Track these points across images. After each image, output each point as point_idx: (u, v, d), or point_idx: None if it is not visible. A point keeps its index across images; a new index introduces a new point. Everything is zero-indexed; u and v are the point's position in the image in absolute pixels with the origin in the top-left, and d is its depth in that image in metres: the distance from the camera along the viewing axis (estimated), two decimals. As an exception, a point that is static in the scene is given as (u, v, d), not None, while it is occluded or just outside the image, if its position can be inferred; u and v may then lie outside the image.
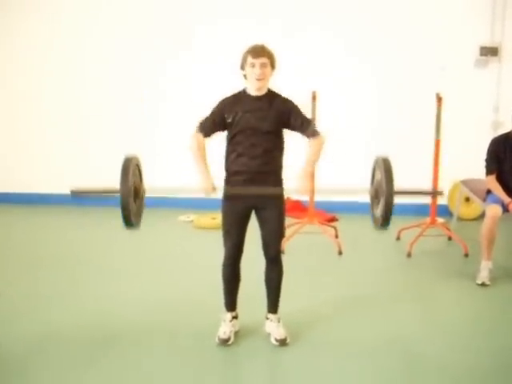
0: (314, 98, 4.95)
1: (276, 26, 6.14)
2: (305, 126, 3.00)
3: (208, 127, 3.02)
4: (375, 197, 2.91)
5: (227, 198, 3.06)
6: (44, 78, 6.59)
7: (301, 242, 4.85)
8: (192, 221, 5.80)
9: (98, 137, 6.61)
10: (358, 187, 3.07)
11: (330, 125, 5.70)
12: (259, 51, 2.91)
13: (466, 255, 4.74)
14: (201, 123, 3.04)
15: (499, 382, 2.82)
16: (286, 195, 3.12)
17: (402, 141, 6.18)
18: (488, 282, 4.06)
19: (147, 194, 2.95)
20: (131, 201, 2.76)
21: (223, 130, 3.04)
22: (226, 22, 6.25)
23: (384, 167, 2.77)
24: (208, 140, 3.05)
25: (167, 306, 3.67)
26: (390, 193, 2.71)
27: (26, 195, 6.72)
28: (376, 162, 2.91)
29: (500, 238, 4.23)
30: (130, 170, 2.75)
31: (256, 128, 2.96)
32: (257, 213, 3.09)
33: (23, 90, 6.66)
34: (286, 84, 6.06)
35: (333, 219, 5.94)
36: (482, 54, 5.96)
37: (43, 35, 6.52)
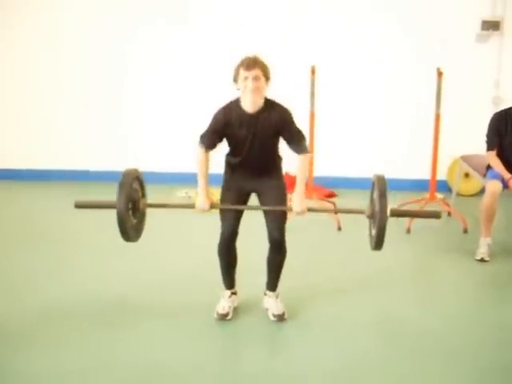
0: (312, 72, 4.90)
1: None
2: (295, 141, 3.00)
3: (208, 142, 3.02)
4: (371, 217, 2.89)
5: (229, 177, 3.11)
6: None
7: (299, 217, 4.81)
8: (190, 197, 5.77)
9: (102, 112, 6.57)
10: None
11: (329, 99, 5.72)
12: (251, 64, 2.87)
13: (465, 231, 4.73)
14: (201, 137, 3.03)
15: (498, 357, 2.82)
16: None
17: (401, 115, 6.15)
18: (487, 258, 4.06)
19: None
20: (128, 215, 2.84)
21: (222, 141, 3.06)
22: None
23: (379, 189, 2.74)
24: (212, 151, 3.06)
25: (165, 283, 3.67)
26: (384, 220, 2.69)
27: (30, 171, 6.68)
28: (373, 182, 2.87)
29: (499, 214, 4.22)
30: (127, 184, 2.82)
31: (253, 142, 2.97)
32: (258, 197, 3.12)
33: (28, 70, 6.59)
34: (285, 58, 6.00)
35: (332, 195, 5.93)
36: (483, 28, 5.88)
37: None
